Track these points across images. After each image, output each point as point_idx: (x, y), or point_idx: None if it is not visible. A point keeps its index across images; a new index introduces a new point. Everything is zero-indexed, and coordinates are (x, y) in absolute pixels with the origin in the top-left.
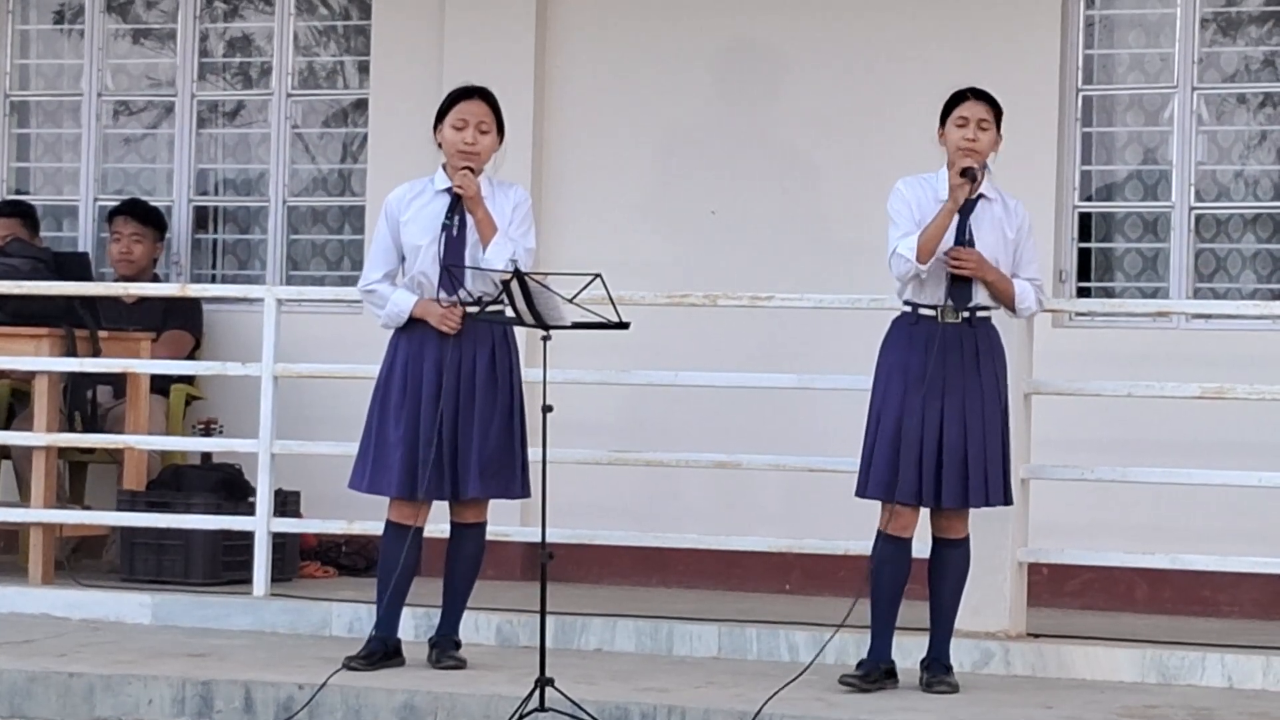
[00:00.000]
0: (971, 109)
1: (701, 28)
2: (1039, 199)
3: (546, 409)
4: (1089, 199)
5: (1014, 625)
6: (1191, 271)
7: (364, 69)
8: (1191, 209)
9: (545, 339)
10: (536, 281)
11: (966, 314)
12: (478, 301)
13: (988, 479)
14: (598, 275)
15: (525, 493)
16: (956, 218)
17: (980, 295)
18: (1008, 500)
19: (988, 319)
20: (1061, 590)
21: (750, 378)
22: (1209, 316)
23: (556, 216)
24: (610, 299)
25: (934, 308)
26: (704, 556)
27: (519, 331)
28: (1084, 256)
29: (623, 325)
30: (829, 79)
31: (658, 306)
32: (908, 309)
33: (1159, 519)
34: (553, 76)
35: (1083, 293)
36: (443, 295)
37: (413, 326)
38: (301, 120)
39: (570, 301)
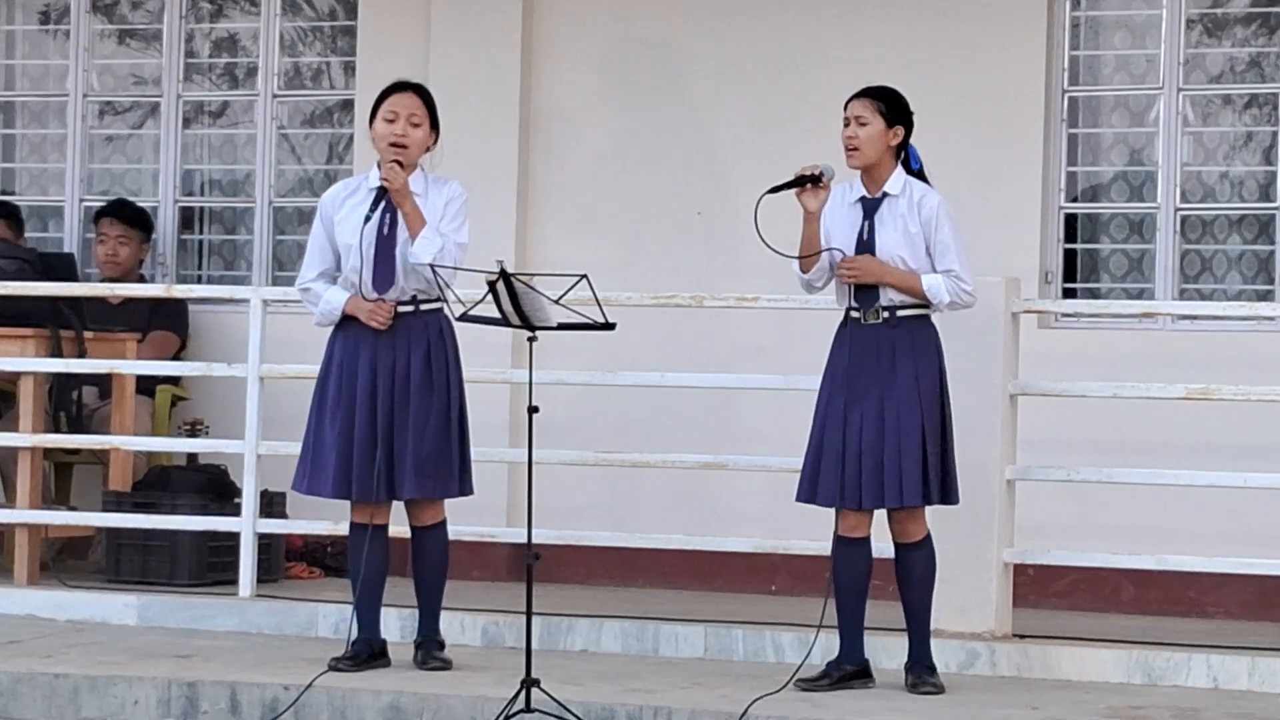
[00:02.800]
0: (851, 107)
1: (690, 28)
2: (1025, 199)
3: (533, 410)
4: (1075, 200)
5: (1000, 626)
6: (1177, 272)
7: (350, 69)
8: (1177, 210)
9: (531, 340)
10: (522, 282)
11: (886, 314)
12: (412, 300)
13: (903, 479)
14: (584, 276)
15: (464, 491)
16: (860, 218)
17: (891, 294)
18: (944, 499)
19: (915, 317)
20: (1047, 591)
21: (736, 379)
22: (1194, 318)
23: (543, 217)
24: (596, 300)
25: (858, 309)
26: (690, 557)
27: (503, 331)
28: (1070, 257)
29: (609, 326)
30: (820, 80)
31: (644, 307)
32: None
33: (1145, 520)
34: (539, 77)
35: (1068, 294)
36: (374, 294)
37: (348, 326)
38: (287, 120)
39: (556, 302)
